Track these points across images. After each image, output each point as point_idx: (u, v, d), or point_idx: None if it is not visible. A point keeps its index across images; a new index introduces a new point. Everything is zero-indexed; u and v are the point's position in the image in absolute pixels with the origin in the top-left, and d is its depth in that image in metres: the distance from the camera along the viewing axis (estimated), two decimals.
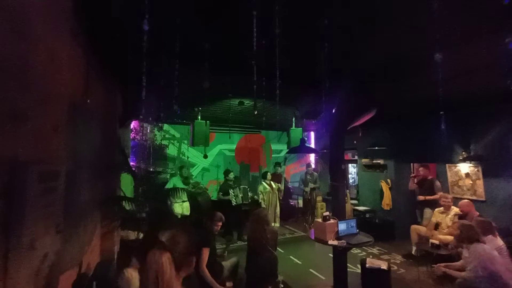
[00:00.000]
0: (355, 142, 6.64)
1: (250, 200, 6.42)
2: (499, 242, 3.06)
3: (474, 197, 4.83)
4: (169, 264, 1.26)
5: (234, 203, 6.06)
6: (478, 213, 4.16)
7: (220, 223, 3.39)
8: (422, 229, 4.83)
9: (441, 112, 2.31)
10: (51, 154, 1.50)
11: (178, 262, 1.28)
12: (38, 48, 1.33)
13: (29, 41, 1.25)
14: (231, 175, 6.35)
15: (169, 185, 5.40)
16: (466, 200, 4.45)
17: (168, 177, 6.19)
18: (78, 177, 2.08)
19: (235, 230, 5.97)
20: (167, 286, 1.22)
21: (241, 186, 6.42)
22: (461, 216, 4.17)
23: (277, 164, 7.63)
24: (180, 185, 5.59)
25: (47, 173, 1.46)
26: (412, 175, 5.74)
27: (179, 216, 5.25)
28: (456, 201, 4.81)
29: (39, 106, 1.36)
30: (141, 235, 3.39)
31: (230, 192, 6.11)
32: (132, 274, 2.13)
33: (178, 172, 6.19)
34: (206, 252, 2.96)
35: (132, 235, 3.55)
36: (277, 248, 3.80)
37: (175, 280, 1.28)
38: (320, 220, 3.72)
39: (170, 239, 1.30)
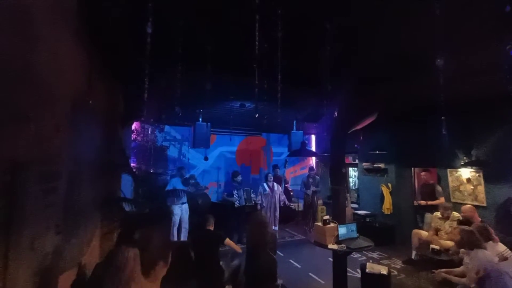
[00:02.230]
0: (356, 145, 6.64)
1: (253, 203, 6.43)
2: (500, 248, 3.05)
3: (475, 203, 4.80)
4: (132, 261, 1.21)
5: (237, 204, 6.09)
6: (480, 219, 4.13)
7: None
8: (423, 234, 4.80)
9: (442, 117, 2.31)
10: (52, 155, 1.51)
11: (150, 259, 1.26)
12: (40, 49, 1.34)
13: (32, 41, 1.26)
14: (239, 178, 6.49)
15: (169, 187, 5.39)
16: (468, 205, 4.42)
17: (168, 178, 6.20)
18: (78, 178, 2.08)
19: (235, 233, 5.96)
20: (125, 283, 1.18)
21: (245, 188, 6.44)
22: (462, 221, 4.14)
23: (275, 166, 7.64)
24: (180, 186, 5.59)
25: (48, 174, 1.46)
26: (418, 201, 5.52)
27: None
28: (457, 206, 4.79)
29: (41, 107, 1.37)
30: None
31: (234, 193, 6.16)
32: None
33: (178, 173, 6.20)
34: (229, 241, 3.45)
35: None
36: (277, 251, 3.78)
37: (143, 278, 1.23)
38: (320, 223, 3.70)
39: (142, 237, 1.28)
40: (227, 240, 3.43)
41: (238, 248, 3.48)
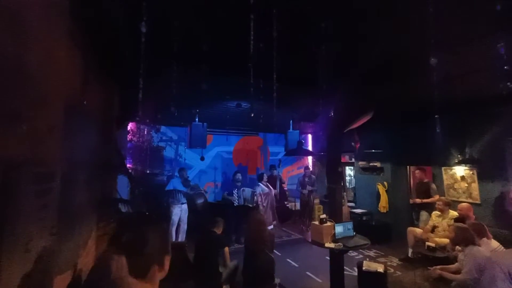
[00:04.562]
0: (352, 144, 6.67)
1: (255, 204, 6.41)
2: (494, 244, 3.09)
3: (469, 200, 4.87)
4: (117, 267, 1.14)
5: (236, 203, 6.10)
6: (474, 217, 4.19)
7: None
8: (418, 231, 4.86)
9: (436, 116, 2.34)
10: (46, 156, 1.49)
11: (143, 265, 1.21)
12: (34, 49, 1.32)
13: (25, 41, 1.25)
14: (238, 176, 6.58)
15: (169, 187, 5.40)
16: (466, 203, 4.48)
17: (165, 179, 6.17)
18: (74, 179, 2.06)
19: (234, 233, 5.96)
20: None
21: (247, 189, 6.44)
22: (458, 219, 4.19)
23: (272, 166, 7.65)
24: (180, 187, 5.60)
25: (42, 175, 1.45)
26: (413, 199, 5.68)
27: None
28: (451, 204, 4.84)
29: (35, 107, 1.35)
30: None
31: (233, 192, 6.18)
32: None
33: (178, 174, 6.20)
34: (227, 250, 3.54)
35: None
36: (274, 251, 3.79)
37: (137, 282, 1.19)
38: (317, 222, 3.72)
39: (133, 240, 1.21)
40: (226, 249, 3.52)
41: (228, 261, 3.56)
